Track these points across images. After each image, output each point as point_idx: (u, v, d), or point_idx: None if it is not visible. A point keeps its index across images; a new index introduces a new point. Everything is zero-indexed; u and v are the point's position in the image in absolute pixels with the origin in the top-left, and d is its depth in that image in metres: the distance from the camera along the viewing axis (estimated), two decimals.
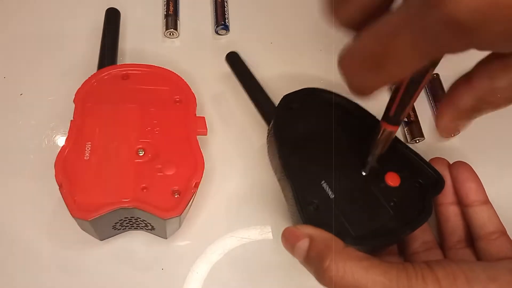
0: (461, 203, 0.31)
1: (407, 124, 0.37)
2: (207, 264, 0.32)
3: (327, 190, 0.29)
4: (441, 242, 0.31)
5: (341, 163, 0.30)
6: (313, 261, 0.25)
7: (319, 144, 0.31)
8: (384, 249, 0.31)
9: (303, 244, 0.25)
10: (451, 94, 0.25)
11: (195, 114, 0.32)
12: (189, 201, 0.29)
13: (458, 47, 0.18)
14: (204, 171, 0.30)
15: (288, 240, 0.26)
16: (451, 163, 0.32)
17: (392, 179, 0.29)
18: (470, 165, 0.31)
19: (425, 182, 0.30)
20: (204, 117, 0.32)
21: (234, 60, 0.36)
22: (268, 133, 0.32)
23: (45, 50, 0.39)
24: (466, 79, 0.24)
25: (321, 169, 0.29)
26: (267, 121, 0.33)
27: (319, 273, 0.24)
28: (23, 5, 0.42)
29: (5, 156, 0.35)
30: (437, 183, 0.30)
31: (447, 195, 0.31)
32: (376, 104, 0.28)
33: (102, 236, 0.31)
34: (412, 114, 0.37)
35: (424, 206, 0.28)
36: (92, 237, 0.31)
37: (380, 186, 0.29)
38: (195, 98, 0.33)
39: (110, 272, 0.31)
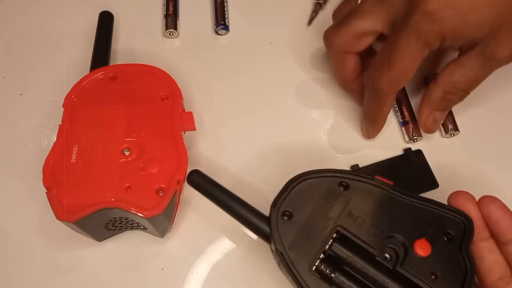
0: (498, 241, 0.28)
1: (404, 123, 0.37)
2: (207, 264, 0.32)
3: None
4: (479, 282, 0.28)
5: (362, 255, 0.26)
6: None
7: (338, 246, 0.27)
8: None
9: None
10: (425, 93, 0.34)
11: (183, 110, 0.32)
12: (171, 198, 0.28)
13: (434, 37, 0.29)
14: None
15: None
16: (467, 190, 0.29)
17: (422, 248, 0.26)
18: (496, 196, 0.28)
19: (455, 232, 0.26)
20: (191, 112, 0.32)
21: (197, 181, 0.29)
22: (274, 256, 0.28)
23: (45, 51, 0.39)
24: (434, 80, 0.33)
25: (349, 272, 0.26)
26: (266, 240, 0.28)
27: None
28: (23, 6, 0.42)
29: (5, 156, 0.35)
30: (466, 226, 0.27)
31: (477, 232, 0.27)
32: None
33: (98, 237, 0.31)
34: (407, 114, 0.37)
35: (465, 261, 0.26)
36: (90, 239, 0.31)
37: (413, 263, 0.26)
38: (181, 94, 0.33)
39: (109, 273, 0.31)
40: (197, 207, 0.33)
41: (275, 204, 0.27)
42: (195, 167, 0.29)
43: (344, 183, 0.28)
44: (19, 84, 0.38)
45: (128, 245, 0.32)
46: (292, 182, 0.28)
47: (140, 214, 0.28)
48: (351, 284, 0.26)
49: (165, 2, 0.41)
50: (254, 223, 0.27)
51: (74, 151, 0.30)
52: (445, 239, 0.26)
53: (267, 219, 0.27)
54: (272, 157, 0.35)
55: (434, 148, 0.36)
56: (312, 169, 0.28)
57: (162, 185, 0.29)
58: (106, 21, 0.38)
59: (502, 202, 0.28)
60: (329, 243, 0.26)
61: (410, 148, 0.36)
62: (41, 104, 0.37)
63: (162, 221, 0.30)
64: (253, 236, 0.33)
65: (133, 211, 0.28)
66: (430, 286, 0.25)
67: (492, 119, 0.38)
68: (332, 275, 0.26)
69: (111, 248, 0.32)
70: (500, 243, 0.28)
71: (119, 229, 0.32)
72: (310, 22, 0.41)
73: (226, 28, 0.41)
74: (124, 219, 0.30)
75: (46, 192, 0.28)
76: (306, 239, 0.26)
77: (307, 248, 0.26)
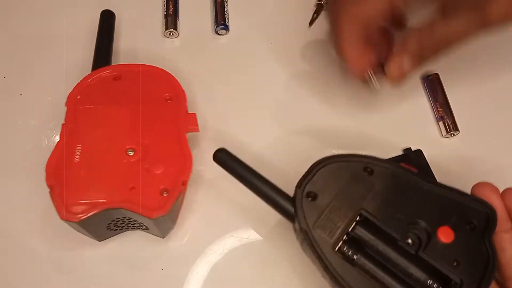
0: None
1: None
2: (207, 264, 0.32)
3: (384, 279, 0.26)
4: (498, 273, 0.28)
5: (385, 240, 0.27)
6: None
7: (361, 229, 0.27)
8: None
9: None
10: (401, 42, 0.32)
11: (186, 111, 0.32)
12: (176, 199, 0.28)
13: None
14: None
15: None
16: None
17: (445, 234, 0.26)
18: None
19: (477, 221, 0.27)
20: (195, 114, 0.32)
21: (224, 159, 0.29)
22: (297, 234, 0.28)
23: (45, 51, 0.39)
24: (413, 30, 0.32)
25: (371, 255, 0.26)
26: (290, 219, 0.28)
27: None
28: (23, 6, 0.42)
29: (4, 156, 0.35)
30: (490, 216, 0.27)
31: (500, 223, 0.27)
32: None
33: (99, 237, 0.31)
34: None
35: (487, 250, 0.26)
36: (91, 238, 0.31)
37: (435, 249, 0.26)
38: (185, 95, 0.32)
39: (109, 273, 0.31)
40: (197, 208, 0.33)
41: (300, 184, 0.28)
42: (196, 168, 0.29)
43: (369, 168, 0.28)
44: (19, 84, 0.38)
45: (128, 245, 0.32)
46: (317, 164, 0.28)
47: (145, 215, 0.28)
48: (372, 266, 0.26)
49: (165, 2, 0.41)
50: (279, 201, 0.28)
51: (78, 151, 0.29)
52: (468, 228, 0.26)
53: (291, 199, 0.27)
54: (276, 153, 0.36)
55: (434, 148, 0.36)
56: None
57: (167, 186, 0.29)
58: (107, 20, 0.38)
59: None
60: (353, 225, 0.27)
61: (410, 148, 0.36)
62: (41, 104, 0.37)
63: (166, 221, 0.30)
64: (253, 236, 0.33)
65: (138, 212, 0.28)
66: (452, 272, 0.25)
67: (492, 119, 0.38)
68: (355, 256, 0.26)
69: (111, 248, 0.32)
70: None
71: (120, 229, 0.32)
72: (311, 23, 0.41)
73: (226, 28, 0.41)
74: (127, 219, 0.30)
75: (49, 192, 0.28)
76: (330, 221, 0.27)
77: (331, 229, 0.26)
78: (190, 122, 0.32)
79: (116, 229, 0.31)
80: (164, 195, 0.29)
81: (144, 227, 0.31)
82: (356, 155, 0.28)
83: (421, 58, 0.32)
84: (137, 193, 0.28)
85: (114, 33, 0.38)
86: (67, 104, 0.31)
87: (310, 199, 0.27)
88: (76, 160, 0.29)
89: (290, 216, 0.27)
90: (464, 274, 0.25)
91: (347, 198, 0.27)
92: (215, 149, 0.29)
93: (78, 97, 0.32)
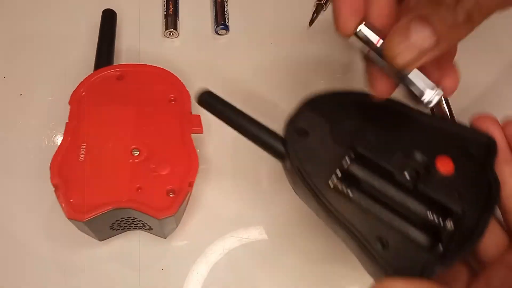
0: None
1: None
2: (207, 264, 0.32)
3: (382, 214, 0.25)
4: (499, 207, 0.27)
5: (381, 175, 0.25)
6: None
7: (355, 165, 0.26)
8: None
9: None
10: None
11: (190, 113, 0.32)
12: (183, 200, 0.29)
13: None
14: (202, 169, 0.29)
15: None
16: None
17: (444, 165, 0.25)
18: None
19: (477, 153, 0.25)
20: (199, 115, 0.32)
21: (209, 100, 0.28)
22: (288, 173, 0.27)
23: (45, 51, 0.39)
24: None
25: (368, 192, 0.25)
26: (280, 158, 0.27)
27: None
28: (24, 6, 0.42)
29: (5, 156, 0.35)
30: (490, 146, 0.25)
31: (501, 154, 0.26)
32: None
33: (101, 236, 0.31)
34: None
35: (490, 180, 0.24)
36: (91, 238, 0.31)
37: (435, 181, 0.24)
38: (190, 97, 0.32)
39: (109, 273, 0.31)
40: (198, 208, 0.33)
41: (289, 121, 0.27)
42: (199, 168, 0.29)
43: (361, 103, 0.27)
44: (19, 84, 0.38)
45: (128, 245, 0.32)
46: (307, 101, 0.27)
47: (153, 215, 0.28)
48: (369, 202, 0.25)
49: (165, 2, 0.41)
50: (268, 141, 0.26)
51: (82, 150, 0.29)
52: (468, 159, 0.25)
53: (281, 138, 0.26)
54: None
55: None
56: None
57: (174, 187, 0.29)
58: (109, 19, 0.38)
59: None
60: (346, 161, 0.26)
61: None
62: (41, 104, 0.37)
63: (171, 222, 0.30)
64: (253, 236, 0.33)
65: (146, 212, 0.28)
66: (453, 202, 0.24)
67: None
68: (350, 193, 0.25)
69: (111, 248, 0.32)
70: None
71: (122, 229, 0.32)
72: (311, 23, 0.41)
73: (226, 28, 0.41)
74: (131, 219, 0.30)
75: (54, 191, 0.28)
76: (322, 157, 0.26)
77: (324, 166, 0.25)
78: (194, 123, 0.32)
79: (119, 229, 0.31)
80: (171, 195, 0.29)
81: (147, 227, 0.31)
82: (347, 91, 0.27)
83: (444, 19, 0.19)
84: (144, 193, 0.28)
85: (116, 33, 0.38)
86: (70, 102, 0.31)
87: (301, 136, 0.26)
88: (81, 159, 0.29)
89: (280, 156, 0.26)
90: (466, 204, 0.24)
91: (339, 134, 0.26)
92: (217, 150, 0.28)
93: (83, 94, 0.32)
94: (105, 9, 0.38)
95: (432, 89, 0.23)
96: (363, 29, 0.23)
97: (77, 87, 0.32)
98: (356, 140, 0.26)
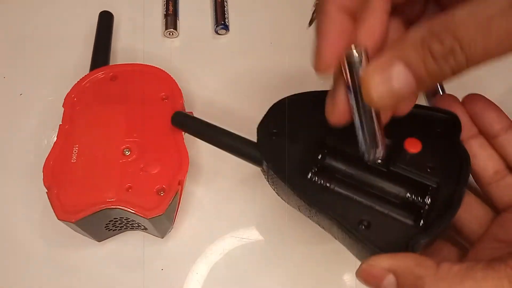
0: (487, 136, 0.27)
1: None
2: (207, 264, 0.32)
3: (362, 199, 0.25)
4: (476, 182, 0.28)
5: (355, 163, 0.26)
6: None
7: (328, 158, 0.27)
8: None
9: (390, 282, 0.21)
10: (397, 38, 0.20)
11: (183, 110, 0.32)
12: (172, 199, 0.29)
13: None
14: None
15: (369, 281, 0.22)
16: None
17: (412, 145, 0.26)
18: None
19: (443, 130, 0.27)
20: (192, 112, 0.32)
21: (182, 120, 0.30)
22: (267, 176, 0.28)
23: (45, 51, 0.39)
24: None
25: (345, 181, 0.26)
26: (257, 163, 0.28)
27: None
28: (23, 6, 0.42)
29: (4, 156, 0.35)
30: (455, 122, 0.26)
31: (466, 129, 0.27)
32: None
33: (98, 237, 0.31)
34: None
35: (459, 153, 0.26)
36: (90, 239, 0.31)
37: (406, 160, 0.25)
38: (182, 94, 0.33)
39: (109, 273, 0.31)
40: (197, 208, 0.33)
41: (260, 126, 0.28)
42: (195, 167, 0.29)
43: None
44: (19, 84, 0.38)
45: (128, 245, 0.32)
46: (276, 104, 0.28)
47: (142, 215, 0.28)
48: (348, 191, 0.26)
49: (165, 2, 0.41)
50: (243, 149, 0.28)
51: (75, 151, 0.30)
52: (436, 137, 0.26)
53: (255, 144, 0.28)
54: None
55: None
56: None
57: (163, 186, 0.29)
58: (106, 21, 0.38)
59: (485, 97, 0.28)
60: (320, 156, 0.27)
61: None
62: (41, 104, 0.37)
63: (163, 221, 0.30)
64: (253, 236, 0.33)
65: (134, 212, 0.28)
66: (427, 178, 0.25)
67: None
68: (328, 184, 0.26)
69: (111, 248, 0.32)
70: (489, 138, 0.27)
71: (119, 229, 0.32)
72: (310, 23, 0.41)
73: (226, 28, 0.41)
74: (125, 219, 0.30)
75: (46, 192, 0.28)
76: (297, 155, 0.27)
77: (299, 163, 0.26)
78: None
79: (115, 230, 0.31)
80: (161, 194, 0.29)
81: (142, 227, 0.31)
82: (311, 92, 0.29)
83: (439, 69, 0.18)
84: (134, 193, 0.28)
85: (113, 34, 0.38)
86: (64, 105, 0.32)
87: (274, 137, 0.27)
88: (73, 161, 0.29)
89: (257, 161, 0.28)
90: (440, 177, 0.25)
91: (310, 131, 0.27)
92: (213, 149, 0.29)
93: (75, 98, 0.32)
94: (102, 11, 0.39)
95: (376, 148, 0.23)
96: (351, 56, 0.20)
97: (70, 90, 0.32)
98: (326, 134, 0.27)
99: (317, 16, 0.22)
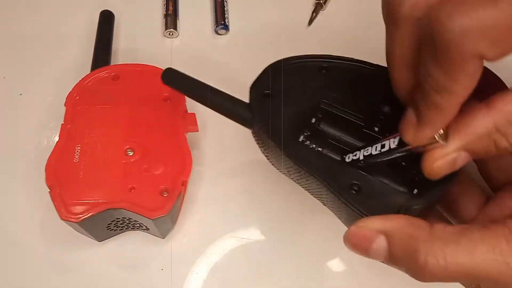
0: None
1: None
2: (207, 264, 0.32)
3: (351, 159, 0.24)
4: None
5: (350, 129, 0.26)
6: (402, 260, 0.20)
7: (323, 122, 0.26)
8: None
9: (380, 244, 0.20)
10: (462, 114, 0.20)
11: (186, 111, 0.32)
12: (176, 200, 0.29)
13: None
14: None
15: (357, 245, 0.21)
16: None
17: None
18: None
19: None
20: (194, 114, 0.32)
21: (172, 77, 0.28)
22: (258, 138, 0.28)
23: (45, 51, 0.39)
24: (484, 103, 0.20)
25: (338, 146, 0.25)
26: (249, 125, 0.27)
27: (416, 271, 0.19)
28: (23, 6, 0.42)
29: (4, 156, 0.35)
30: None
31: None
32: None
33: (99, 237, 0.31)
34: None
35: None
36: (91, 239, 0.31)
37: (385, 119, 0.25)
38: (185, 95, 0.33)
39: (109, 273, 0.31)
40: (197, 208, 0.33)
41: (253, 86, 0.27)
42: (198, 167, 0.29)
43: (325, 65, 0.27)
44: (19, 84, 0.38)
45: (128, 245, 0.32)
46: (272, 65, 0.27)
47: (145, 215, 0.28)
48: (339, 154, 0.25)
49: (165, 2, 0.41)
50: (235, 109, 0.27)
51: (77, 151, 0.30)
52: None
53: (247, 105, 0.27)
54: None
55: None
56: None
57: (167, 186, 0.29)
58: (107, 20, 0.38)
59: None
60: (313, 120, 0.26)
61: None
62: (41, 104, 0.37)
63: (166, 222, 0.30)
64: (253, 236, 0.33)
65: (138, 212, 0.28)
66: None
67: None
68: (320, 149, 0.25)
69: (111, 248, 0.32)
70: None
71: (120, 230, 0.32)
72: (310, 22, 0.41)
73: (226, 28, 0.41)
74: (127, 220, 0.30)
75: (49, 192, 0.28)
76: (289, 117, 0.26)
77: (291, 125, 0.26)
78: (189, 121, 0.32)
79: (116, 230, 0.31)
80: (164, 195, 0.29)
81: (144, 228, 0.31)
82: (311, 55, 0.27)
83: (492, 148, 0.20)
84: (137, 193, 0.28)
85: (114, 33, 0.38)
86: (66, 104, 0.31)
87: (266, 99, 0.26)
88: (76, 160, 0.29)
89: (249, 122, 0.27)
90: None
91: (305, 95, 0.26)
92: (215, 149, 0.29)
93: (77, 98, 0.32)
94: (103, 11, 0.39)
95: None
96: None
97: (72, 89, 0.32)
98: (322, 99, 0.26)
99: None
